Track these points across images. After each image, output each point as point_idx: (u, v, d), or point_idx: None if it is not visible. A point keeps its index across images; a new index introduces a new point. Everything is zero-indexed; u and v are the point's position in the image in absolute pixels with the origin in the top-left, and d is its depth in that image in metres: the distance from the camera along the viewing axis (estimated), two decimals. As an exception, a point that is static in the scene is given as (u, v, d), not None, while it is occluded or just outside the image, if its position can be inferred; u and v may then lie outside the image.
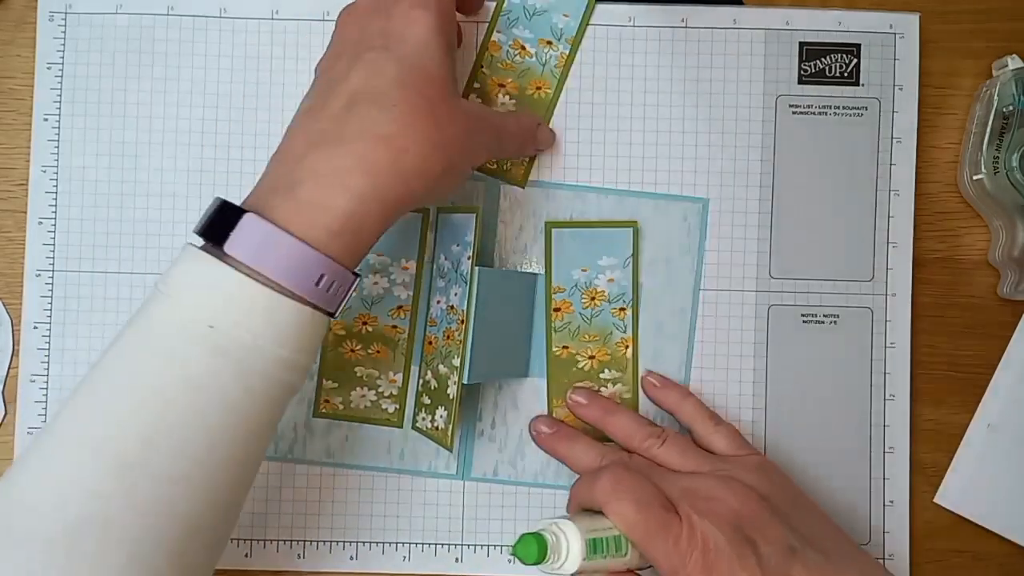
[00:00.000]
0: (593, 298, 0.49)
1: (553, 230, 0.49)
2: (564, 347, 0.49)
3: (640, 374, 0.49)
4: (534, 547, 0.39)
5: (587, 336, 0.49)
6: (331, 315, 0.37)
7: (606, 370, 0.49)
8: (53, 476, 0.33)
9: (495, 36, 0.50)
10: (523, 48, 0.50)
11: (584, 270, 0.49)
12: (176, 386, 0.33)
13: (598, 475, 0.42)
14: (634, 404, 0.49)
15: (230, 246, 0.34)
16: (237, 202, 0.36)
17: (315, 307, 0.35)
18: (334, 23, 0.42)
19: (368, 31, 0.39)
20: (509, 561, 0.49)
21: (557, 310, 0.49)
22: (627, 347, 0.49)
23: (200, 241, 0.36)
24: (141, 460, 0.33)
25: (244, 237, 0.34)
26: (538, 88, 0.50)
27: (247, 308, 0.34)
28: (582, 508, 0.43)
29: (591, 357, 0.49)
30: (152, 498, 0.33)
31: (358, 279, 0.37)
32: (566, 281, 0.49)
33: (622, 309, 0.49)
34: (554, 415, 0.49)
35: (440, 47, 0.39)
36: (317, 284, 0.35)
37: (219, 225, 0.35)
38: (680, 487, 0.41)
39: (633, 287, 0.49)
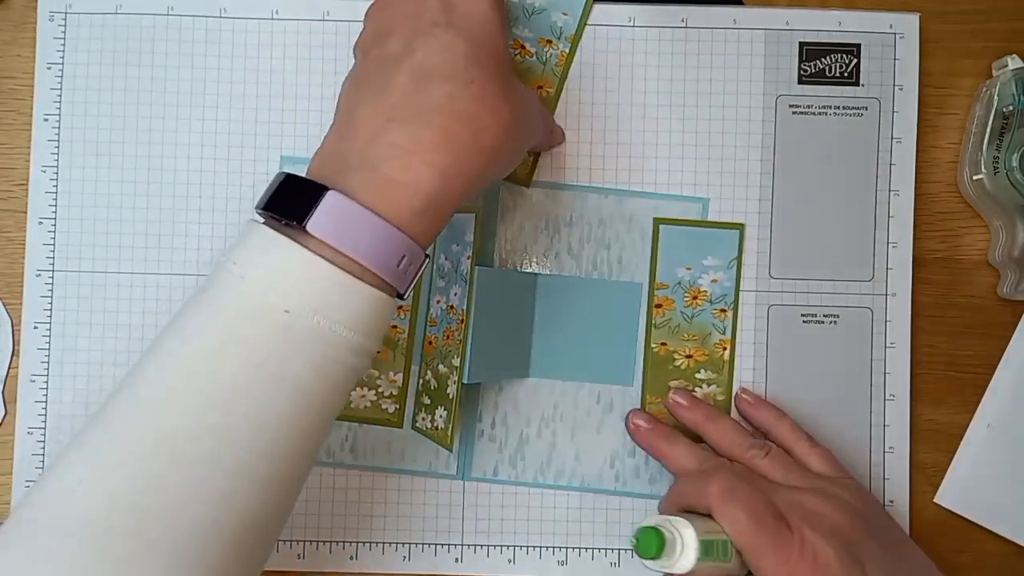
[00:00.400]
0: (695, 297, 0.49)
1: (661, 226, 0.49)
2: (662, 344, 0.49)
3: (736, 377, 0.49)
4: (655, 541, 0.39)
5: (686, 335, 0.49)
6: (401, 297, 0.36)
7: (702, 370, 0.49)
8: (104, 467, 0.31)
9: (495, 36, 0.50)
10: (523, 48, 0.50)
11: (688, 268, 0.49)
12: (248, 373, 0.32)
13: (709, 478, 0.41)
14: (727, 407, 0.49)
15: (314, 226, 0.33)
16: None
17: (390, 290, 0.35)
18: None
19: (424, 6, 0.38)
20: (509, 561, 0.49)
21: (659, 306, 0.49)
22: (725, 349, 0.49)
23: (258, 216, 0.34)
24: (211, 451, 0.32)
25: (329, 216, 0.33)
26: (540, 88, 0.50)
27: (325, 293, 0.33)
28: (683, 509, 0.43)
29: (688, 356, 0.49)
30: (216, 491, 0.32)
31: (428, 259, 0.36)
32: (670, 278, 0.49)
33: (723, 310, 0.49)
34: (647, 411, 0.49)
35: (501, 25, 0.38)
36: (398, 266, 0.34)
37: (295, 202, 0.33)
38: (787, 500, 0.41)
39: (735, 289, 0.49)
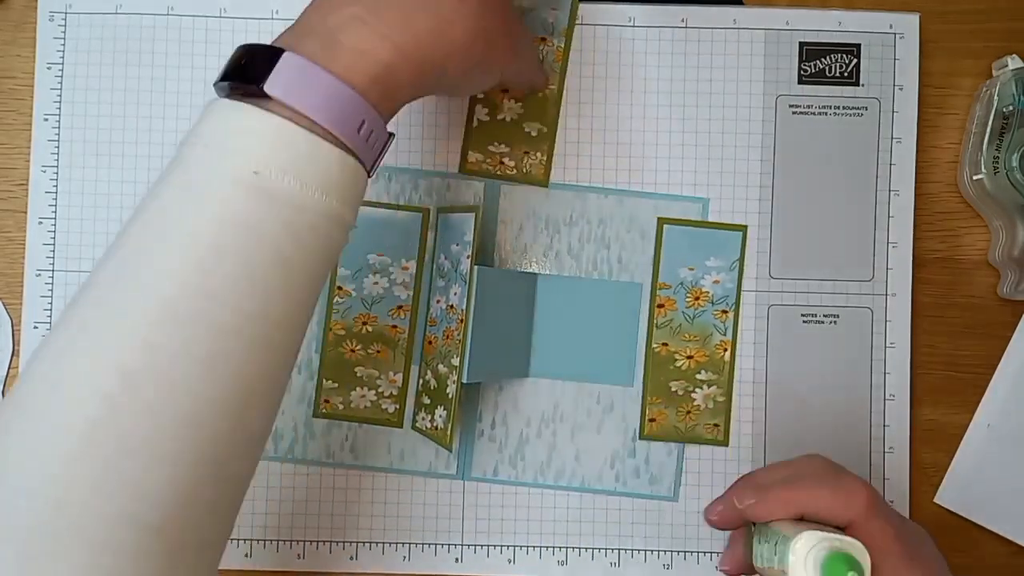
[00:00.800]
0: (697, 298, 0.49)
1: (665, 226, 0.49)
2: (664, 344, 0.49)
3: (736, 378, 0.49)
4: (861, 569, 0.35)
5: (687, 335, 0.49)
6: (368, 173, 0.36)
7: (702, 371, 0.49)
8: (94, 337, 0.31)
9: (495, 36, 0.50)
10: (523, 48, 0.50)
11: (691, 269, 0.49)
12: (227, 233, 0.32)
13: (851, 488, 0.38)
14: (727, 407, 0.49)
15: (270, 85, 0.33)
16: None
17: (356, 158, 0.35)
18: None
19: None
20: (509, 561, 0.49)
21: (661, 306, 0.49)
22: (725, 350, 0.49)
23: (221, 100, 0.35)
24: (197, 310, 0.31)
25: (285, 76, 0.33)
26: (538, 88, 0.50)
27: (291, 152, 0.33)
28: (797, 517, 0.39)
29: (689, 357, 0.49)
30: (209, 350, 0.31)
31: (392, 137, 0.37)
32: (672, 278, 0.49)
33: (724, 312, 0.49)
34: (648, 412, 0.49)
35: None
36: (358, 131, 0.34)
37: (253, 66, 0.34)
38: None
39: (737, 291, 0.49)
